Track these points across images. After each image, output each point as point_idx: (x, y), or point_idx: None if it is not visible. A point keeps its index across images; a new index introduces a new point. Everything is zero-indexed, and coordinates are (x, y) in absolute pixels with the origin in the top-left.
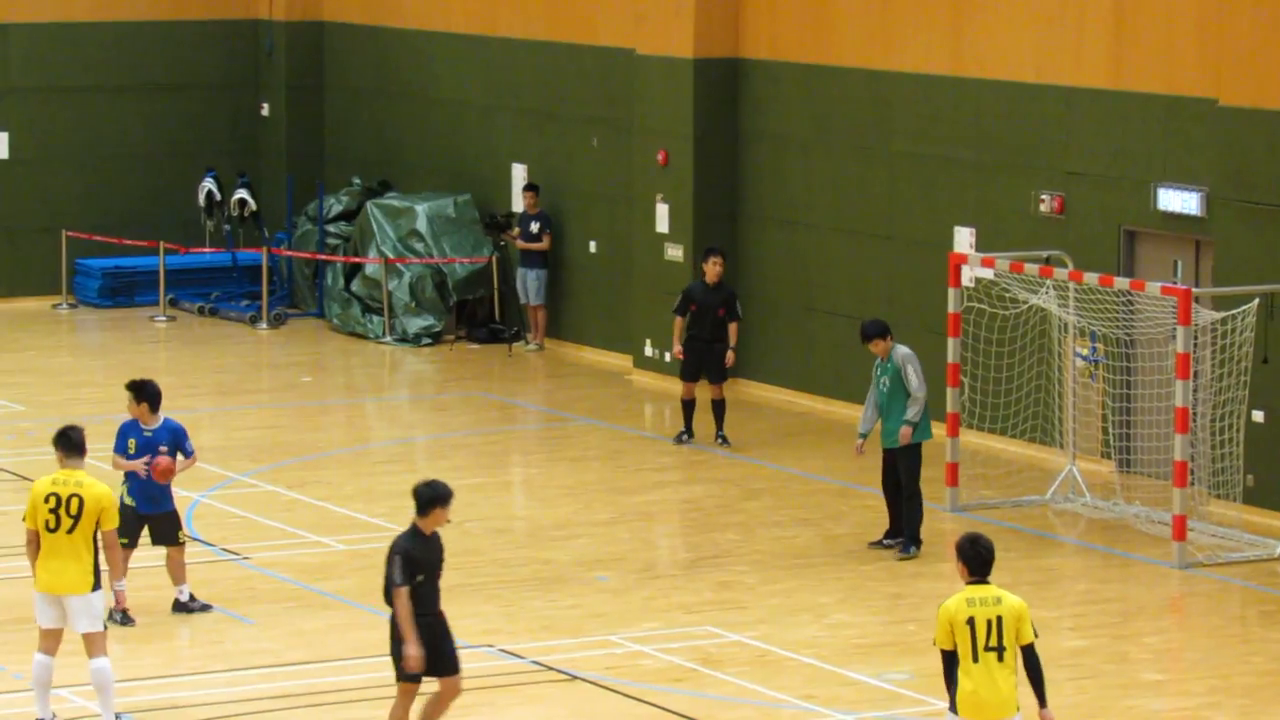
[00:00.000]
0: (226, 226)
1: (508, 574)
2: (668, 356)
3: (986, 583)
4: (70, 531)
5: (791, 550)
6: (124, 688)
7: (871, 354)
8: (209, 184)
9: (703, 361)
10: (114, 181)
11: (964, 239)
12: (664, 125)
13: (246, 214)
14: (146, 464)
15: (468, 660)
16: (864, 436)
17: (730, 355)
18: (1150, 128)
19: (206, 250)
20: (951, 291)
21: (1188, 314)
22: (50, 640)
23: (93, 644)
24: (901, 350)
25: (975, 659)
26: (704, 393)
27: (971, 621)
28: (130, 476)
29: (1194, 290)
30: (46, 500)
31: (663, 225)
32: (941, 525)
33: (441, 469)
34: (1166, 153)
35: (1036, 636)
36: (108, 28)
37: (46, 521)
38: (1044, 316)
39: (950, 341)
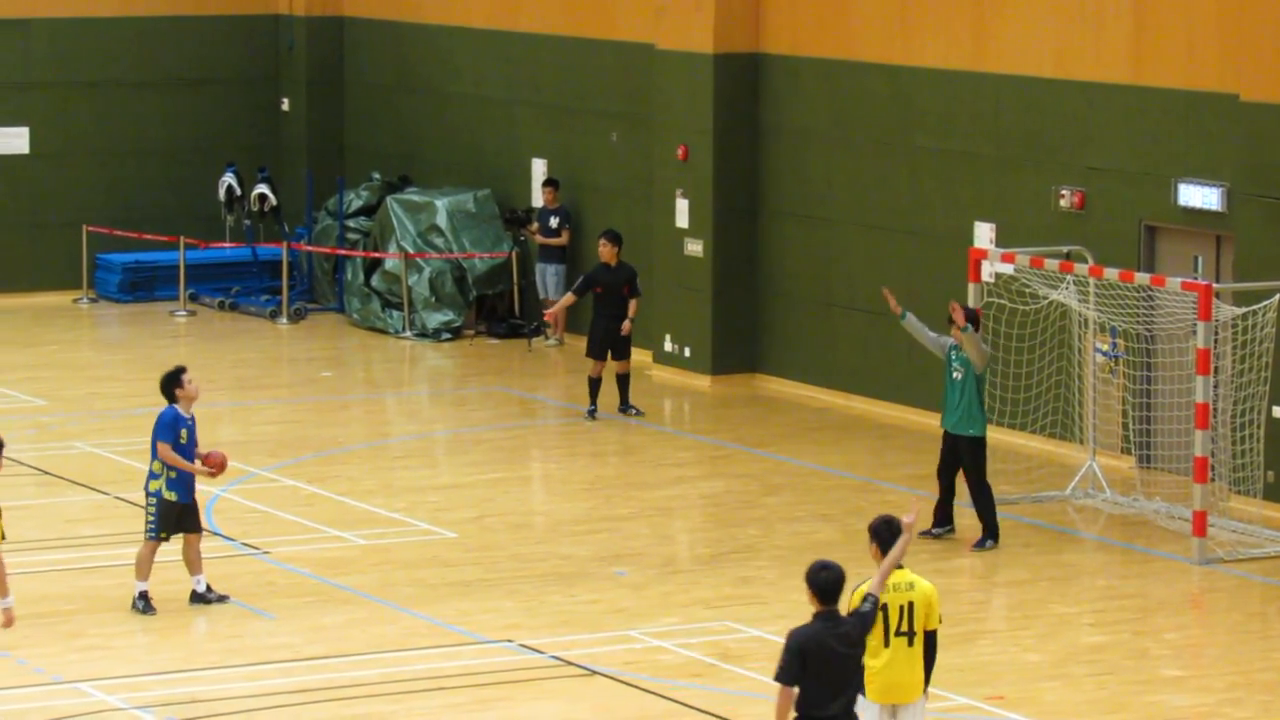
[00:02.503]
0: (247, 221)
1: (527, 569)
2: (687, 351)
3: (901, 567)
4: None
5: (811, 545)
6: (143, 682)
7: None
8: (229, 179)
9: (612, 339)
10: (135, 176)
11: (984, 234)
12: (684, 120)
13: (267, 209)
14: (206, 464)
15: (486, 655)
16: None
17: (627, 325)
18: (1171, 123)
19: (227, 245)
20: (972, 286)
21: (1208, 309)
22: None
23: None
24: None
25: (886, 643)
26: (610, 368)
27: (885, 608)
28: (177, 471)
29: (1214, 286)
30: None
31: (682, 220)
32: (961, 521)
33: (461, 464)
34: (1187, 148)
35: (941, 623)
36: (129, 23)
37: None
38: (1064, 312)
39: None
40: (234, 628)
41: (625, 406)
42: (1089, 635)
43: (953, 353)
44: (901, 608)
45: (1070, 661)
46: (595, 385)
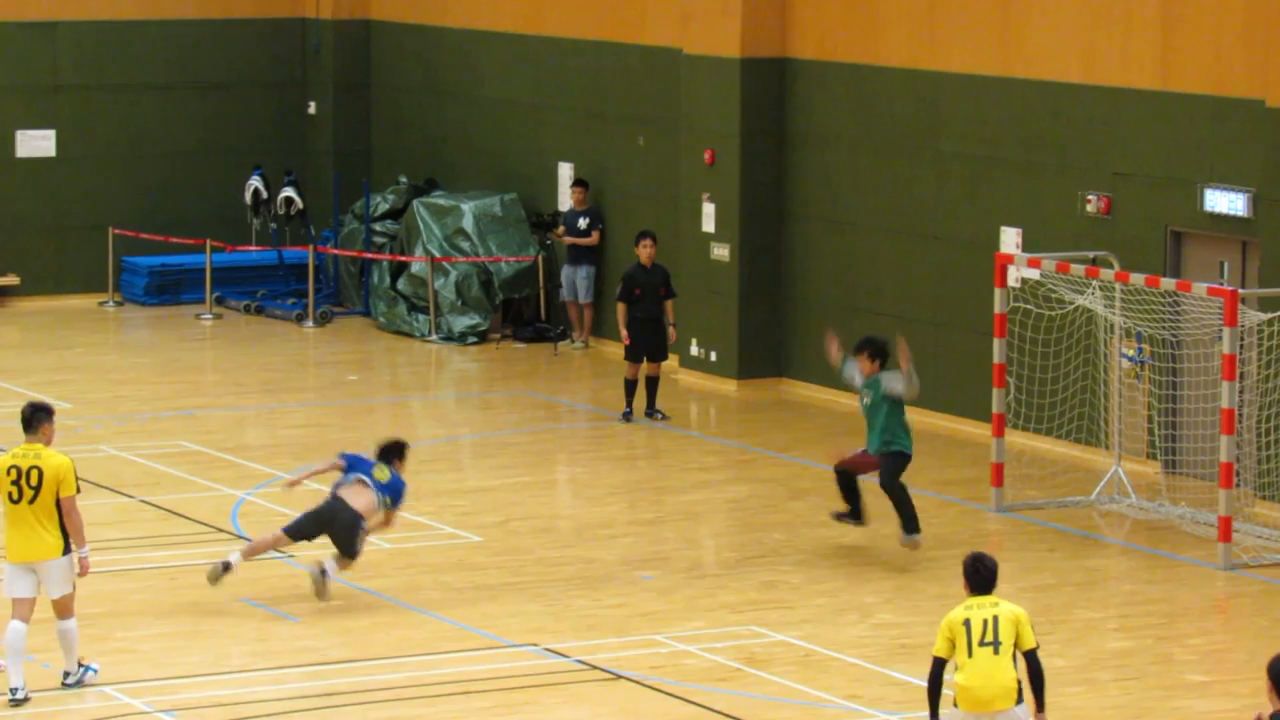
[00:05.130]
0: (273, 224)
1: (553, 573)
2: (713, 356)
3: (988, 595)
4: (32, 502)
5: (837, 550)
6: (169, 685)
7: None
8: (256, 182)
9: (650, 341)
10: (161, 179)
11: (1010, 239)
12: (711, 125)
13: (293, 212)
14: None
15: (512, 659)
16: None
17: (672, 331)
18: (1197, 128)
19: (253, 248)
20: (998, 292)
21: (1234, 315)
22: (23, 608)
23: (62, 607)
24: (893, 385)
25: (970, 654)
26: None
27: (968, 623)
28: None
29: (1240, 291)
30: (8, 473)
31: (709, 225)
32: (986, 525)
33: (487, 468)
34: (1213, 154)
35: (1038, 646)
36: (155, 26)
37: (10, 494)
38: (1090, 317)
39: (996, 342)
40: (259, 631)
41: (651, 410)
42: (1114, 640)
43: (861, 384)
44: (985, 621)
45: (1095, 667)
46: (631, 388)
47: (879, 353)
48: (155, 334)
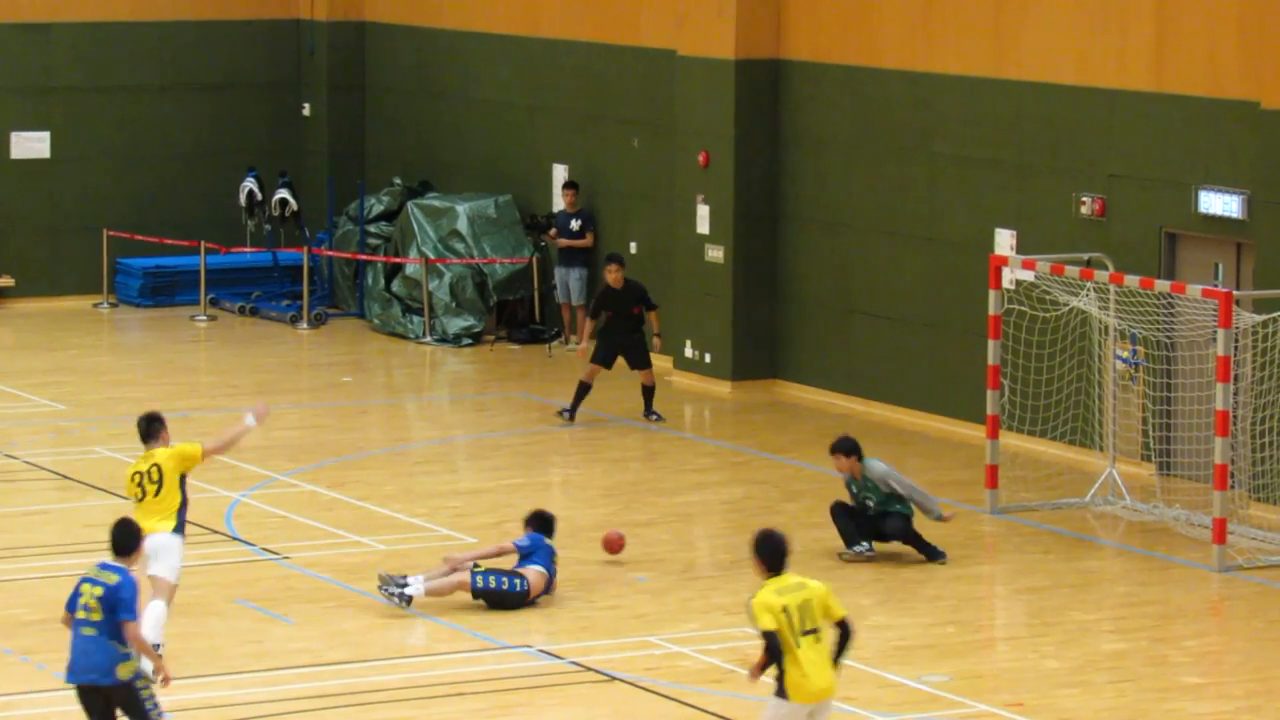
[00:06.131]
0: (267, 226)
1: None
2: (708, 358)
3: (785, 572)
4: (156, 495)
5: (831, 552)
6: None
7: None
8: (250, 183)
9: (622, 350)
10: (155, 181)
11: (1005, 241)
12: (705, 126)
13: (287, 214)
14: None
15: (507, 661)
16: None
17: (657, 341)
18: (1192, 130)
19: (247, 250)
20: (992, 293)
21: (1228, 317)
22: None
23: (161, 588)
24: (877, 468)
25: (797, 644)
26: (637, 379)
27: (786, 610)
28: None
29: (1235, 293)
30: (133, 479)
31: (703, 226)
32: (981, 528)
33: (481, 469)
34: (1208, 155)
35: (847, 614)
36: (150, 27)
37: (135, 495)
38: (1084, 319)
39: (990, 343)
40: (254, 633)
41: (649, 412)
42: (1108, 642)
43: (851, 485)
44: (801, 606)
45: (1089, 668)
46: (583, 390)
47: (850, 449)
48: (150, 336)
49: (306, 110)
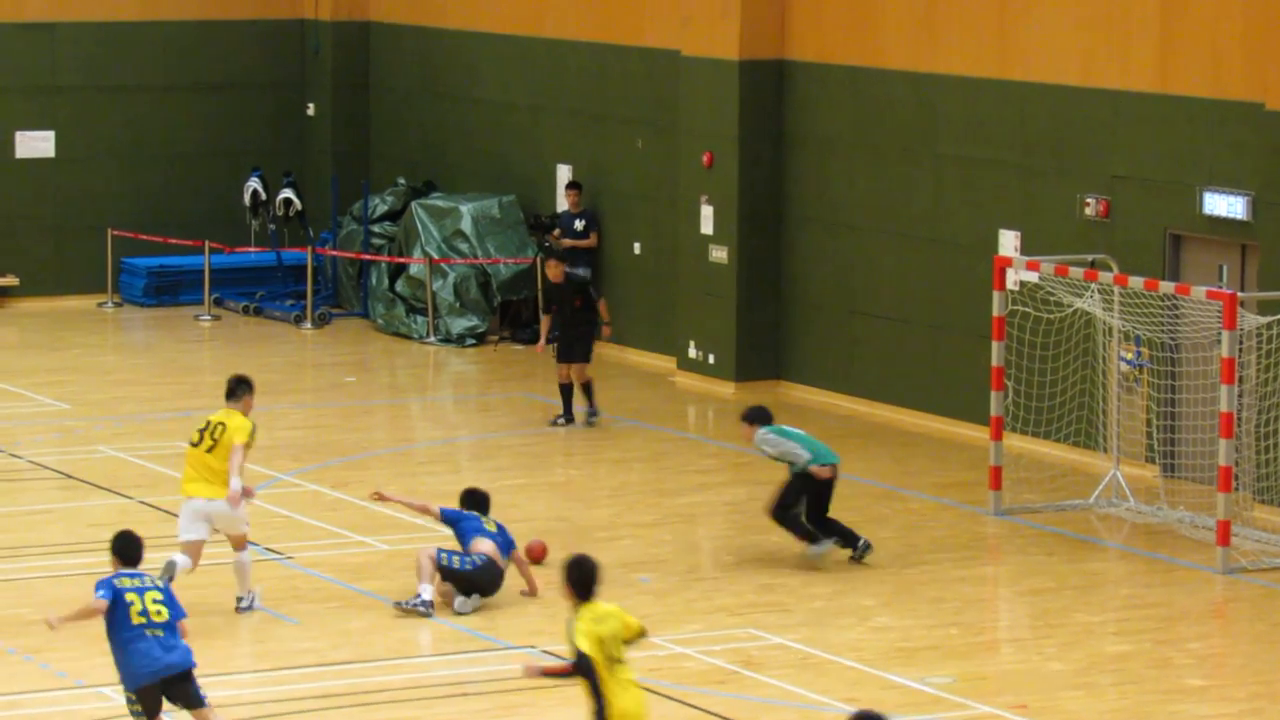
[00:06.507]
0: (272, 226)
1: (550, 575)
2: (711, 358)
3: (595, 600)
4: (209, 450)
5: (834, 553)
6: None
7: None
8: (254, 183)
9: (569, 343)
10: (160, 180)
11: (1009, 242)
12: (709, 127)
13: (291, 213)
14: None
15: (510, 661)
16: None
17: (607, 330)
18: (1196, 131)
19: (251, 249)
20: (996, 295)
21: (1233, 318)
22: (194, 549)
23: (237, 541)
24: (757, 436)
25: (610, 671)
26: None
27: (603, 640)
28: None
29: (1239, 294)
30: (201, 423)
31: (707, 227)
32: (985, 529)
33: (485, 470)
34: (1212, 157)
35: (643, 628)
36: (154, 27)
37: (193, 438)
38: (1089, 320)
39: (994, 345)
40: (258, 633)
41: (570, 413)
42: (1112, 644)
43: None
44: (613, 635)
45: (1093, 670)
46: (565, 391)
47: (749, 417)
48: (154, 335)
49: (311, 110)
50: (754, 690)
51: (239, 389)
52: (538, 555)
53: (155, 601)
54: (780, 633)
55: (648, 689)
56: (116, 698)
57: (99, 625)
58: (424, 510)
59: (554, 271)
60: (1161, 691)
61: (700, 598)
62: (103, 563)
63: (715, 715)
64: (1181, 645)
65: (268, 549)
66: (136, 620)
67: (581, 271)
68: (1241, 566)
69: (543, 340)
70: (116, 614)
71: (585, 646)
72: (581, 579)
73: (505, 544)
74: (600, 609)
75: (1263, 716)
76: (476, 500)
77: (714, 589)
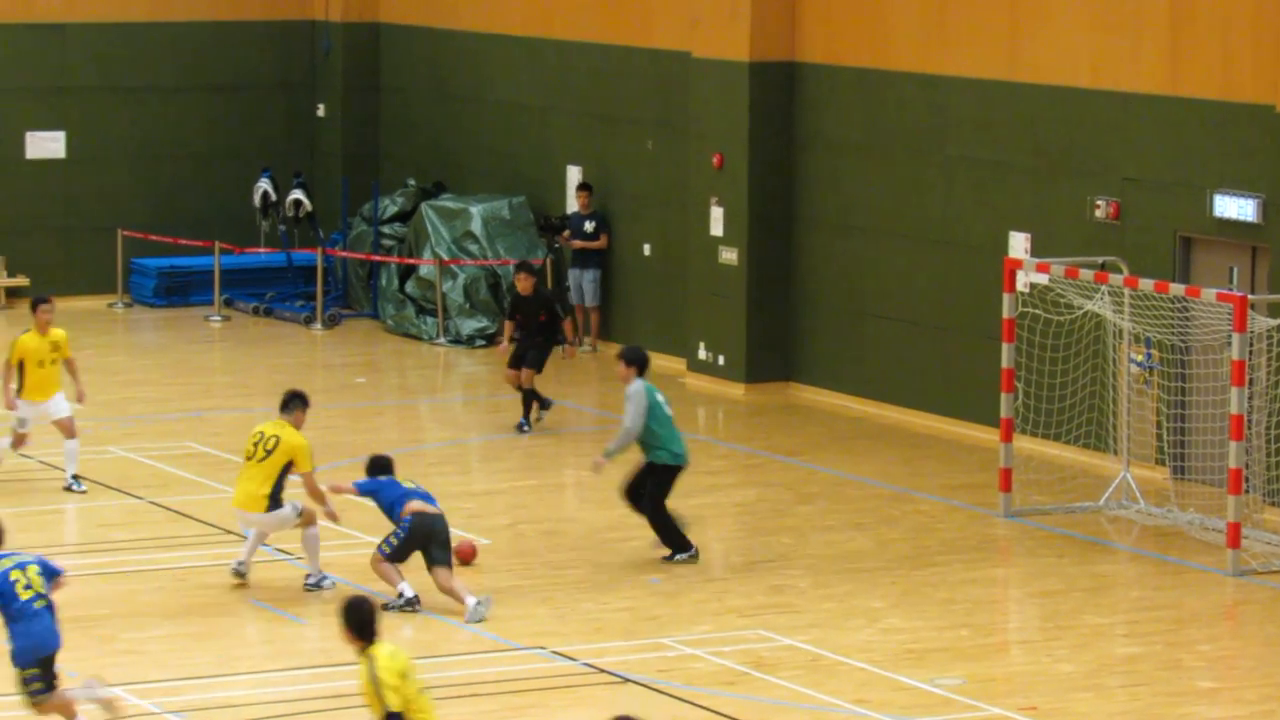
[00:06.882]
0: (281, 227)
1: (560, 576)
2: (721, 360)
3: (377, 641)
4: (261, 461)
5: (844, 554)
6: (177, 686)
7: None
8: (264, 184)
9: (525, 351)
10: (170, 181)
11: (1019, 244)
12: (719, 128)
13: (302, 214)
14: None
15: (519, 662)
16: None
17: (570, 349)
18: (1207, 134)
19: (261, 250)
20: (1006, 297)
21: (1243, 321)
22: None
23: (307, 519)
24: (631, 387)
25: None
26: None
27: (402, 682)
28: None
29: (1250, 297)
30: (254, 436)
31: (717, 229)
32: (995, 531)
33: (495, 471)
34: (1223, 159)
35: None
36: (165, 28)
37: (247, 451)
38: (1099, 322)
39: (1004, 347)
40: (268, 633)
41: (532, 416)
42: (1122, 646)
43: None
44: (402, 680)
45: (1103, 672)
46: (526, 396)
47: (626, 357)
48: (164, 336)
49: (321, 111)
50: (764, 691)
51: (293, 403)
52: (466, 556)
53: (37, 574)
54: (790, 634)
55: (658, 690)
56: (127, 697)
57: (105, 625)
58: (338, 490)
59: (523, 284)
60: (1172, 694)
61: (710, 599)
62: (114, 563)
63: (725, 716)
64: (1192, 647)
65: (278, 549)
66: (25, 595)
67: (591, 275)
68: (1252, 569)
69: (504, 342)
70: (3, 594)
71: (395, 702)
72: (360, 622)
73: (425, 495)
74: (388, 648)
75: (1273, 719)
76: (384, 465)
77: (724, 590)
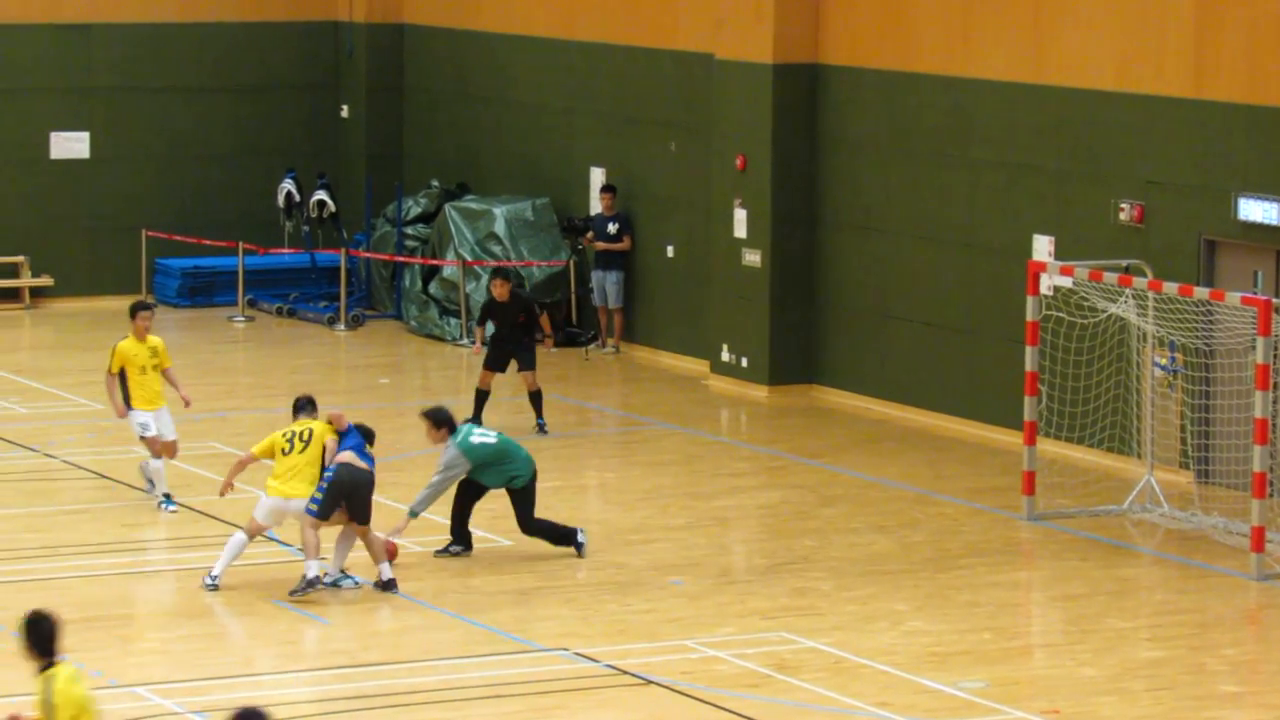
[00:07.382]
0: (305, 227)
1: (583, 578)
2: (744, 362)
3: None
4: (302, 452)
5: (867, 557)
6: (200, 686)
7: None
8: (288, 185)
9: (508, 355)
10: (194, 182)
11: (1043, 247)
12: (742, 130)
13: (325, 215)
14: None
15: (543, 663)
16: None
17: (548, 341)
18: (1231, 137)
19: (285, 251)
20: (1030, 300)
21: (1268, 324)
22: (257, 531)
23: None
24: (446, 452)
25: None
26: (525, 387)
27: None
28: None
29: (1274, 301)
30: (285, 436)
31: (740, 230)
32: (1018, 534)
33: None
34: (1248, 162)
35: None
36: (190, 28)
37: (283, 448)
38: (1123, 326)
39: (1028, 350)
40: (290, 632)
41: (539, 424)
42: (1146, 650)
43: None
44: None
45: (1127, 676)
46: (481, 398)
47: (442, 421)
48: (188, 336)
49: (345, 112)
50: (786, 694)
51: (307, 407)
52: (389, 555)
53: None
54: (813, 637)
55: (681, 692)
56: (151, 697)
57: (126, 625)
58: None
59: (499, 290)
60: (1195, 698)
61: (733, 601)
62: (138, 562)
63: (748, 719)
64: (1215, 651)
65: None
66: None
67: (615, 277)
68: (1275, 573)
69: (478, 344)
70: None
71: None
72: (40, 639)
73: (366, 455)
74: (67, 670)
75: None
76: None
77: (747, 592)
